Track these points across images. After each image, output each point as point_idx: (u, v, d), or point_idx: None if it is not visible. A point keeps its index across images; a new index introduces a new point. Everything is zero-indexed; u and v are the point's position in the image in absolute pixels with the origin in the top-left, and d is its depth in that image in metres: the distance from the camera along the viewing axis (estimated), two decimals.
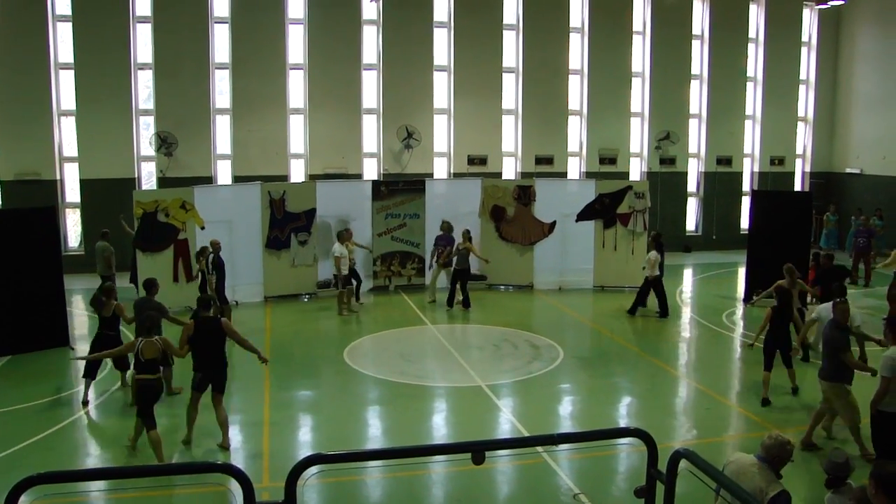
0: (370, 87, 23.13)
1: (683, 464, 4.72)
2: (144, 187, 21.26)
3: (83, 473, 5.70)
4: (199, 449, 9.74)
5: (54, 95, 20.76)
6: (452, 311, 17.25)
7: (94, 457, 9.57)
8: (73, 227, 21.70)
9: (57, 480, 4.21)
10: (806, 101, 27.17)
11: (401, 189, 19.34)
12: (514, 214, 19.41)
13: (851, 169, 26.18)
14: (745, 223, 24.36)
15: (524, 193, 19.45)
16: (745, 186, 26.41)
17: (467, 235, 17.72)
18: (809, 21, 26.78)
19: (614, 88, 24.78)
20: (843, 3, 23.11)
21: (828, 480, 5.99)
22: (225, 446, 9.66)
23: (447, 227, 18.17)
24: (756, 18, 26.14)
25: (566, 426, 10.87)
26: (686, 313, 17.47)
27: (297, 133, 22.80)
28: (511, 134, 24.38)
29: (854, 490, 5.48)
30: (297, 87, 22.60)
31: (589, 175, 23.90)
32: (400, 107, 22.95)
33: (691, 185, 26.22)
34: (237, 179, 21.59)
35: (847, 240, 23.33)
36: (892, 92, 24.52)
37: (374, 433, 10.65)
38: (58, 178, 20.97)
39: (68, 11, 20.55)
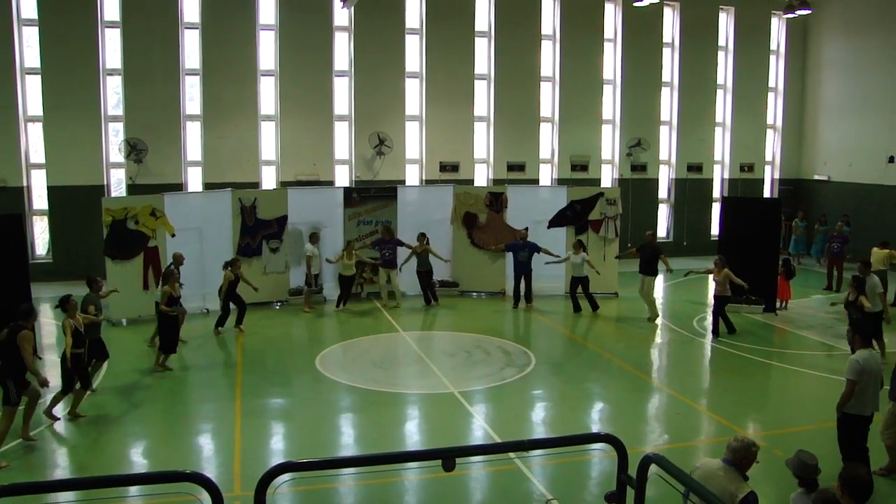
0: (342, 94, 23.07)
1: (654, 469, 4.75)
2: (114, 194, 21.04)
3: (47, 485, 5.64)
4: (167, 458, 9.65)
5: (20, 101, 20.46)
6: (424, 319, 17.29)
7: (60, 468, 9.44)
8: (40, 235, 21.39)
9: (22, 493, 4.15)
10: (775, 109, 27.53)
11: (373, 196, 19.32)
12: (486, 221, 19.45)
13: (819, 176, 26.54)
14: (715, 229, 24.64)
15: (496, 200, 19.50)
16: (716, 193, 26.70)
17: (423, 238, 18.21)
18: (778, 30, 27.15)
19: (586, 95, 24.94)
20: (810, 12, 23.42)
21: (801, 480, 6.04)
22: None
23: (386, 231, 18.50)
24: (725, 27, 26.46)
25: (538, 432, 10.90)
26: (657, 319, 17.57)
27: (269, 140, 22.67)
28: (483, 141, 24.44)
29: (819, 490, 5.55)
30: (268, 94, 22.49)
31: (561, 182, 24.04)
32: (372, 113, 22.92)
33: (662, 192, 26.44)
34: (208, 186, 21.40)
35: (814, 246, 23.71)
36: (858, 100, 24.92)
37: (347, 441, 10.59)
38: (25, 184, 20.66)
39: (34, 16, 20.27)
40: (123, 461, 9.68)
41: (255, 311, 16.81)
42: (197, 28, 21.58)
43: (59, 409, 10.96)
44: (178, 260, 14.91)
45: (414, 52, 23.49)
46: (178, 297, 13.51)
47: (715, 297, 15.71)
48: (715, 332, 15.61)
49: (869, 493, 5.02)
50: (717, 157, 26.96)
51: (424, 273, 18.28)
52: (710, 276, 15.90)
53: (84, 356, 10.86)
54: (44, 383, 9.89)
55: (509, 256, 19.24)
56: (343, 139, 23.26)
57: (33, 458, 9.66)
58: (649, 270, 17.10)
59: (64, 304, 10.77)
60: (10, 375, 9.60)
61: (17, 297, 13.57)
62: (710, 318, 16.11)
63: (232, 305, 15.85)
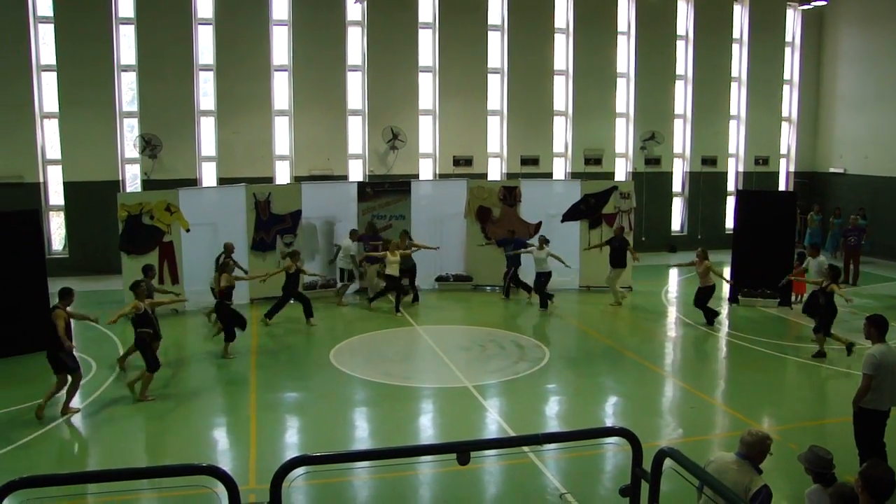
0: (355, 89, 23.10)
1: (668, 462, 4.74)
2: (129, 190, 21.15)
3: (66, 477, 5.65)
4: (182, 452, 9.72)
5: (36, 98, 20.59)
6: (438, 313, 17.30)
7: (78, 460, 9.53)
8: (56, 230, 21.56)
9: (40, 484, 4.19)
10: (790, 102, 27.33)
11: (386, 190, 19.35)
12: (499, 215, 19.44)
13: (835, 168, 26.36)
14: (730, 223, 24.49)
15: (510, 194, 19.47)
16: (730, 186, 26.57)
17: (404, 237, 18.00)
18: (793, 22, 26.95)
19: (599, 89, 24.86)
20: (825, 3, 23.26)
21: (816, 475, 6.03)
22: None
23: (370, 227, 18.43)
24: (740, 19, 26.28)
25: (552, 426, 10.90)
26: (671, 312, 17.55)
27: (283, 135, 22.73)
28: (496, 135, 24.41)
29: (837, 485, 5.54)
30: (281, 89, 22.53)
31: (574, 175, 23.95)
32: (385, 108, 22.93)
33: (676, 185, 26.32)
34: (222, 181, 21.49)
35: (829, 239, 23.59)
36: (874, 92, 24.73)
37: (361, 434, 10.64)
38: (41, 180, 20.81)
39: (50, 13, 20.40)
40: (139, 454, 9.77)
41: (268, 305, 16.84)
42: (210, 24, 21.65)
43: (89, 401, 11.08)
44: (230, 249, 15.55)
45: (427, 47, 23.47)
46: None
47: (699, 288, 16.11)
48: (709, 320, 16.02)
49: (890, 493, 4.97)
50: (732, 150, 26.81)
51: (405, 271, 17.61)
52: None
53: (149, 336, 11.83)
54: (69, 349, 10.89)
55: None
56: (356, 134, 23.30)
57: (51, 451, 9.76)
58: (618, 263, 17.87)
59: (134, 288, 11.94)
60: (60, 349, 10.75)
61: (34, 292, 13.79)
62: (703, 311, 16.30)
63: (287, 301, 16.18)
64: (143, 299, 11.77)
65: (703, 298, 16.07)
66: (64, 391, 10.93)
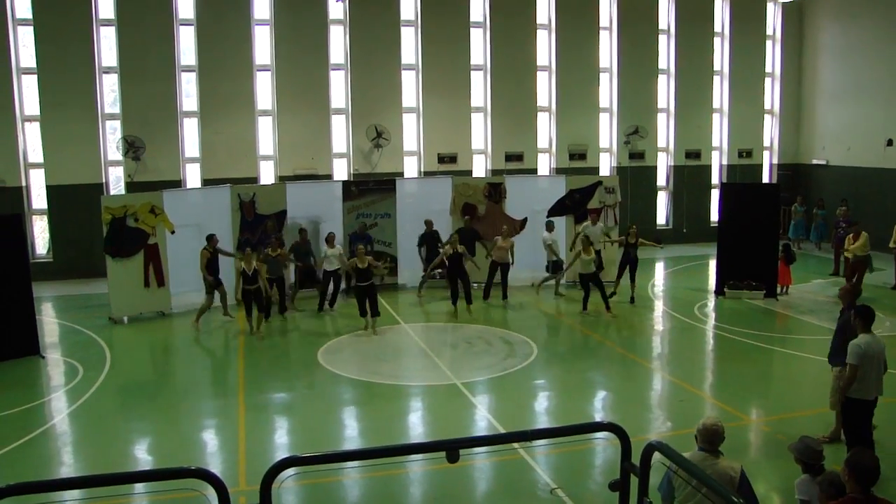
0: (338, 88, 23.02)
1: (657, 456, 4.75)
2: (112, 192, 21.03)
3: (53, 483, 5.62)
4: (171, 454, 9.67)
5: (17, 101, 20.43)
6: (425, 311, 17.27)
7: (64, 465, 9.47)
8: (40, 234, 21.40)
9: (27, 491, 4.15)
10: (772, 94, 27.45)
11: (371, 189, 19.30)
12: (485, 212, 19.43)
13: (817, 160, 26.50)
14: (714, 216, 24.59)
15: (495, 191, 19.48)
16: (714, 179, 26.66)
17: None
18: (774, 15, 27.07)
19: (582, 84, 24.89)
20: None
21: (805, 465, 6.11)
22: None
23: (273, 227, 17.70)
24: (721, 13, 26.37)
25: (541, 422, 10.92)
26: (658, 306, 17.60)
27: (266, 135, 22.65)
28: (480, 132, 24.39)
29: (826, 474, 5.59)
30: (264, 89, 22.44)
31: (559, 171, 24.00)
32: (369, 106, 22.88)
33: (661, 179, 26.40)
34: (206, 182, 21.39)
35: (812, 230, 23.76)
36: (854, 84, 24.87)
37: (350, 434, 10.62)
38: (23, 184, 20.65)
39: (29, 15, 20.22)
40: (128, 458, 9.70)
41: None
42: (192, 24, 21.52)
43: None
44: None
45: (409, 44, 23.42)
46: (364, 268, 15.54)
47: (493, 261, 17.59)
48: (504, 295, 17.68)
49: (876, 479, 5.03)
50: (715, 143, 26.90)
51: (275, 279, 16.45)
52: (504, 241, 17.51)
53: (251, 292, 14.85)
54: (215, 284, 15.84)
55: None
56: (340, 133, 23.22)
57: (37, 455, 9.69)
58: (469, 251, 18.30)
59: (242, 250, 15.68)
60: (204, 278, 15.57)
61: (18, 297, 13.67)
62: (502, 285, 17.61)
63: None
64: (250, 262, 14.81)
65: (494, 272, 17.59)
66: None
